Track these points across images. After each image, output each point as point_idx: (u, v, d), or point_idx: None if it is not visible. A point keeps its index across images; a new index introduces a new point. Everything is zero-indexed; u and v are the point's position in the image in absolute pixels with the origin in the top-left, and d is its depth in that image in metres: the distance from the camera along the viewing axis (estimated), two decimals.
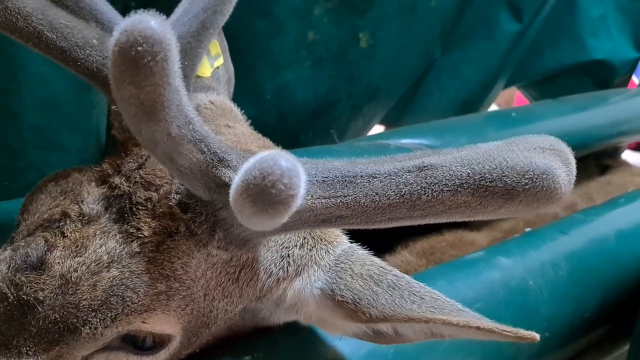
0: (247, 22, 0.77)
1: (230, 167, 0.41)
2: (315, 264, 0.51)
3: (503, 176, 0.39)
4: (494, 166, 0.39)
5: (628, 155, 1.47)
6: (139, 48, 0.28)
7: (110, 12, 0.54)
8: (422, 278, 0.69)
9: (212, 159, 0.39)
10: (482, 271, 0.71)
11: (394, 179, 0.42)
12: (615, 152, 1.35)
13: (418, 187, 0.41)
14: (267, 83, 0.84)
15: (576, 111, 1.10)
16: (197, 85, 0.63)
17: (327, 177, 0.43)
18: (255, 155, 0.31)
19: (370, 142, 0.88)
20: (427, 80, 1.12)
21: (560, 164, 0.39)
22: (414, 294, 0.48)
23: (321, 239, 0.52)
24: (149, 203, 0.48)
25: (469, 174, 0.40)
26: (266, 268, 0.51)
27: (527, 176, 0.38)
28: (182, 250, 0.47)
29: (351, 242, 0.55)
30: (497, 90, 1.19)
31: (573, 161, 0.40)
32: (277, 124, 0.89)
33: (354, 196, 0.42)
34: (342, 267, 0.50)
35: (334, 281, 0.50)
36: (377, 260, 0.51)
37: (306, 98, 0.88)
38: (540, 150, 0.40)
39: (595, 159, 1.31)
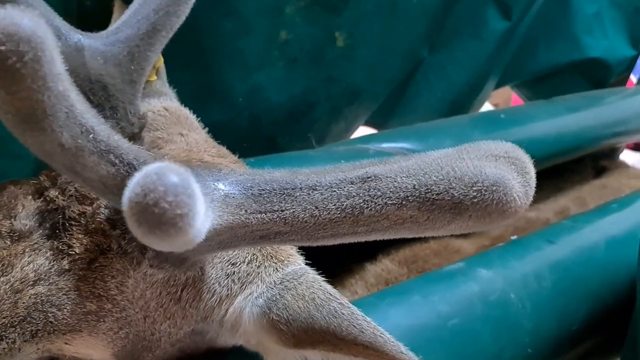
0: (212, 23, 0.74)
1: None
2: (261, 280, 0.48)
3: (450, 188, 0.35)
4: (441, 177, 0.35)
5: (627, 156, 1.42)
6: (2, 47, 0.24)
7: (49, 14, 0.51)
8: (396, 292, 0.66)
9: (128, 171, 0.35)
10: (460, 284, 0.67)
11: (335, 191, 0.38)
12: (613, 153, 1.31)
13: (360, 201, 0.37)
14: (237, 85, 0.80)
15: (569, 112, 1.05)
16: (149, 91, 0.60)
17: (263, 190, 0.39)
18: (142, 169, 0.27)
19: (349, 146, 0.84)
20: (415, 80, 1.08)
21: (514, 174, 0.35)
22: (354, 326, 0.44)
23: (271, 256, 0.49)
24: (82, 218, 0.45)
25: (414, 185, 0.36)
26: (209, 287, 0.47)
27: (475, 188, 0.34)
28: (117, 269, 0.44)
29: (307, 263, 0.51)
30: (488, 91, 1.15)
31: (531, 170, 0.36)
32: (251, 128, 0.85)
33: (292, 210, 0.39)
34: (286, 286, 0.47)
35: (275, 299, 0.46)
36: (327, 286, 0.48)
37: (281, 100, 0.84)
38: (493, 159, 0.36)
39: (592, 160, 1.26)
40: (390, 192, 0.37)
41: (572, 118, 1.04)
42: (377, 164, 0.39)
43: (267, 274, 0.48)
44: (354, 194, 0.38)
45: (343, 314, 0.45)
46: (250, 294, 0.47)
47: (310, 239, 0.40)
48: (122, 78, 0.51)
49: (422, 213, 0.36)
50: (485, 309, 0.65)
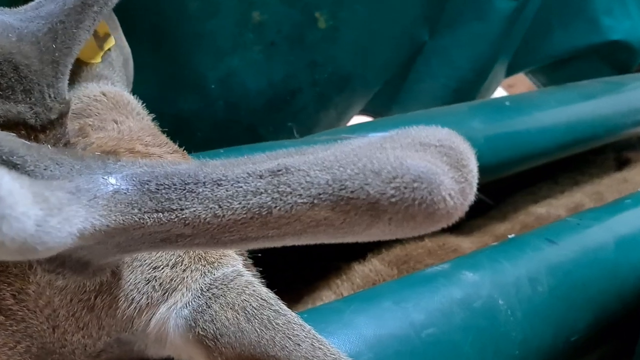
0: (177, 3, 0.68)
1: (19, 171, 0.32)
2: (186, 287, 0.42)
3: (365, 184, 0.28)
4: (357, 171, 0.29)
5: None
6: None
7: None
8: (365, 296, 0.60)
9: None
10: (440, 289, 0.60)
11: (241, 186, 0.32)
12: None
13: (269, 199, 0.31)
14: (209, 71, 0.74)
15: (583, 99, 0.96)
16: (88, 74, 0.55)
17: (161, 185, 0.33)
18: None
19: (331, 136, 0.78)
20: (417, 66, 1.01)
21: (445, 167, 0.28)
22: (289, 338, 0.38)
23: (199, 258, 0.43)
24: None
25: (327, 181, 0.30)
26: (127, 294, 0.42)
27: (393, 184, 0.28)
28: (14, 274, 0.39)
29: (246, 263, 0.45)
30: (496, 78, 1.06)
31: (471, 163, 0.29)
32: (228, 117, 0.79)
33: (192, 210, 0.33)
34: (214, 294, 0.41)
35: (201, 310, 0.41)
36: (262, 291, 0.42)
37: (259, 87, 0.78)
38: (421, 148, 0.29)
39: (614, 151, 1.17)
40: (302, 188, 0.30)
41: (586, 106, 0.95)
42: (293, 154, 0.32)
43: (194, 279, 0.42)
44: (262, 190, 0.31)
45: (277, 324, 0.40)
46: (174, 304, 0.42)
47: (217, 243, 0.34)
48: (40, 58, 0.45)
49: (337, 215, 0.30)
50: (467, 317, 0.58)
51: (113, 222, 0.32)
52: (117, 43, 0.60)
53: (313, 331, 0.40)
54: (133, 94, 0.58)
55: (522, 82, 1.95)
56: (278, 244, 0.33)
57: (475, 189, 0.29)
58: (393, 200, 0.27)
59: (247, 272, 0.44)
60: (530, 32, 1.06)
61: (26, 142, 0.33)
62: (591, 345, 0.68)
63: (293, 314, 0.41)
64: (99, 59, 0.56)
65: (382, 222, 0.29)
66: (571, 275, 0.67)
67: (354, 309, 0.56)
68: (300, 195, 0.30)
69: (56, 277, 0.38)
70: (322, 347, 0.39)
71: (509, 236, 0.75)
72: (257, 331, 0.39)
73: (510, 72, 1.13)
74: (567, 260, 0.68)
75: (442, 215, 0.28)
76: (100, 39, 0.58)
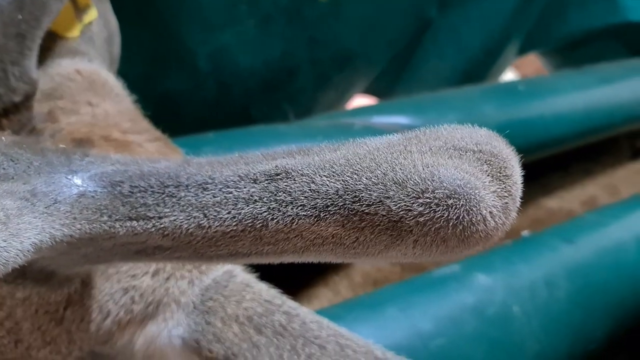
0: None
1: None
2: (174, 301, 0.36)
3: (385, 198, 0.23)
4: (375, 180, 0.23)
5: None
6: None
7: None
8: (367, 303, 0.54)
9: None
10: (450, 294, 0.55)
11: (231, 192, 0.26)
12: None
13: (264, 209, 0.26)
14: (198, 47, 0.68)
15: (601, 83, 0.91)
16: (62, 49, 0.48)
17: (136, 188, 0.28)
18: None
19: (330, 120, 0.72)
20: (423, 44, 0.95)
21: (485, 178, 0.23)
22: (311, 342, 0.33)
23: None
24: None
25: (338, 190, 0.24)
26: (101, 306, 0.36)
27: (422, 200, 0.22)
28: None
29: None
30: (507, 59, 1.00)
31: (515, 173, 0.24)
32: (220, 97, 0.73)
33: (172, 218, 0.27)
34: (210, 307, 0.36)
35: (200, 328, 0.35)
36: (262, 290, 0.36)
37: (253, 65, 0.72)
38: (455, 153, 0.23)
39: (628, 140, 1.12)
40: (305, 197, 0.25)
41: (604, 91, 0.90)
42: (295, 155, 0.27)
43: (181, 290, 0.37)
44: (256, 197, 0.26)
45: (293, 328, 0.34)
46: (164, 322, 0.36)
47: (201, 258, 0.28)
48: (2, 31, 0.39)
49: (348, 232, 0.24)
50: (479, 326, 0.53)
51: (77, 231, 0.27)
52: (102, 16, 0.54)
53: (332, 325, 0.35)
54: (117, 73, 0.52)
55: (528, 63, 1.89)
56: (274, 261, 0.28)
57: (518, 204, 0.24)
58: (421, 219, 0.22)
59: (239, 269, 0.38)
60: (545, 9, 1.00)
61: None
62: (610, 355, 0.63)
63: (304, 309, 0.36)
64: (76, 33, 0.50)
65: (405, 244, 0.23)
66: (590, 278, 0.62)
67: (355, 316, 0.51)
68: (303, 206, 0.25)
69: (16, 288, 0.33)
70: (349, 342, 0.34)
71: (522, 233, 0.70)
72: (272, 342, 0.34)
73: (521, 52, 1.07)
74: (586, 262, 0.63)
75: (480, 238, 0.22)
76: (79, 9, 0.52)
